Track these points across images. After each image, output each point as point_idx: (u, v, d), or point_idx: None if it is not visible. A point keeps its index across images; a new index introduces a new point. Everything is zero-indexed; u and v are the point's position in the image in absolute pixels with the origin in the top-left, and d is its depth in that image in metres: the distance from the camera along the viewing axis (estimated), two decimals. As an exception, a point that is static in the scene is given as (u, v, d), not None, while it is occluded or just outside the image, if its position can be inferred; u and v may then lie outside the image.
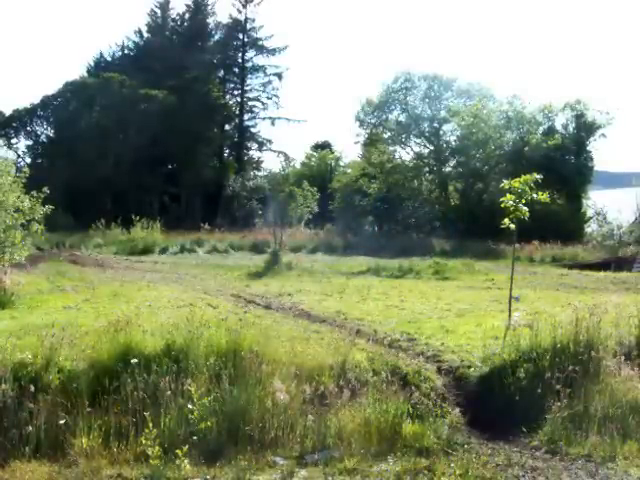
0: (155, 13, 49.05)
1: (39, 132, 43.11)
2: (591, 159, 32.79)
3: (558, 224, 26.45)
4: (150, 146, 38.16)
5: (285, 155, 50.06)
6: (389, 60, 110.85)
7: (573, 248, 24.65)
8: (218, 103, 44.79)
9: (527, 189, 8.43)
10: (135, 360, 5.86)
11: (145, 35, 48.94)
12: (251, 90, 49.64)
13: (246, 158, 50.32)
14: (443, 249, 25.47)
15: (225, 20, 49.14)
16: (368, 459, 5.33)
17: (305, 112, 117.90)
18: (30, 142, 43.01)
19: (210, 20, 49.44)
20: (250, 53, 48.88)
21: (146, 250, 23.91)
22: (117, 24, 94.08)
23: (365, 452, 5.44)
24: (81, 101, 39.94)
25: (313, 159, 47.16)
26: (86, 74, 45.87)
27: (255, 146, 51.00)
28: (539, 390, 6.20)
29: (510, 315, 8.42)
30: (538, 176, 8.50)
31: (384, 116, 36.58)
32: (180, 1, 77.84)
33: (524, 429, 5.99)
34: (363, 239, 29.73)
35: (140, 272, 16.84)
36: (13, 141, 42.09)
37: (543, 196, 8.57)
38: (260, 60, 49.07)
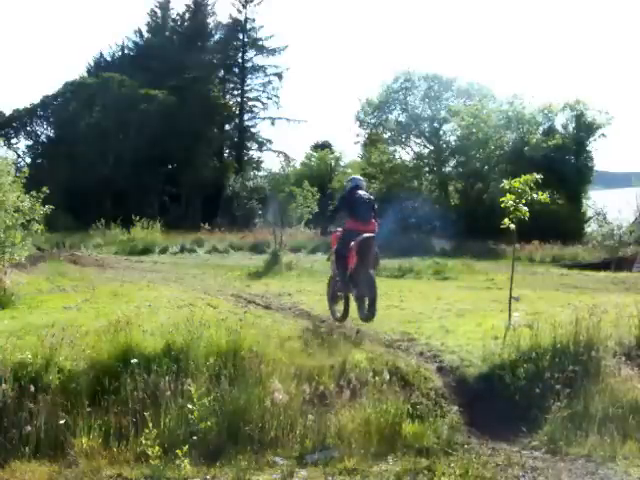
0: (155, 13, 49.14)
1: (39, 132, 43.20)
2: (591, 159, 32.82)
3: (558, 224, 26.43)
4: (150, 146, 38.16)
5: (285, 155, 50.05)
6: (389, 60, 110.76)
7: (573, 248, 24.64)
8: (218, 103, 44.83)
9: (527, 189, 8.42)
10: (135, 360, 5.85)
11: (145, 35, 49.01)
12: (251, 90, 49.73)
13: (246, 158, 50.34)
14: (443, 249, 25.41)
15: (225, 20, 49.30)
16: (368, 459, 5.32)
17: (305, 112, 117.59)
18: (30, 142, 43.15)
19: (210, 20, 49.58)
20: (250, 53, 48.99)
21: (146, 250, 23.86)
22: (117, 24, 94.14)
23: (365, 452, 5.43)
24: (81, 101, 39.97)
25: (313, 159, 47.08)
26: (86, 74, 45.91)
27: (255, 146, 51.07)
28: (539, 390, 6.21)
29: (510, 315, 8.42)
30: (538, 176, 8.48)
31: (384, 116, 36.55)
32: (180, 1, 77.92)
33: (524, 429, 5.99)
34: (363, 239, 29.58)
35: (140, 272, 16.83)
36: (13, 141, 42.14)
37: (543, 196, 8.56)
38: (260, 60, 49.19)
